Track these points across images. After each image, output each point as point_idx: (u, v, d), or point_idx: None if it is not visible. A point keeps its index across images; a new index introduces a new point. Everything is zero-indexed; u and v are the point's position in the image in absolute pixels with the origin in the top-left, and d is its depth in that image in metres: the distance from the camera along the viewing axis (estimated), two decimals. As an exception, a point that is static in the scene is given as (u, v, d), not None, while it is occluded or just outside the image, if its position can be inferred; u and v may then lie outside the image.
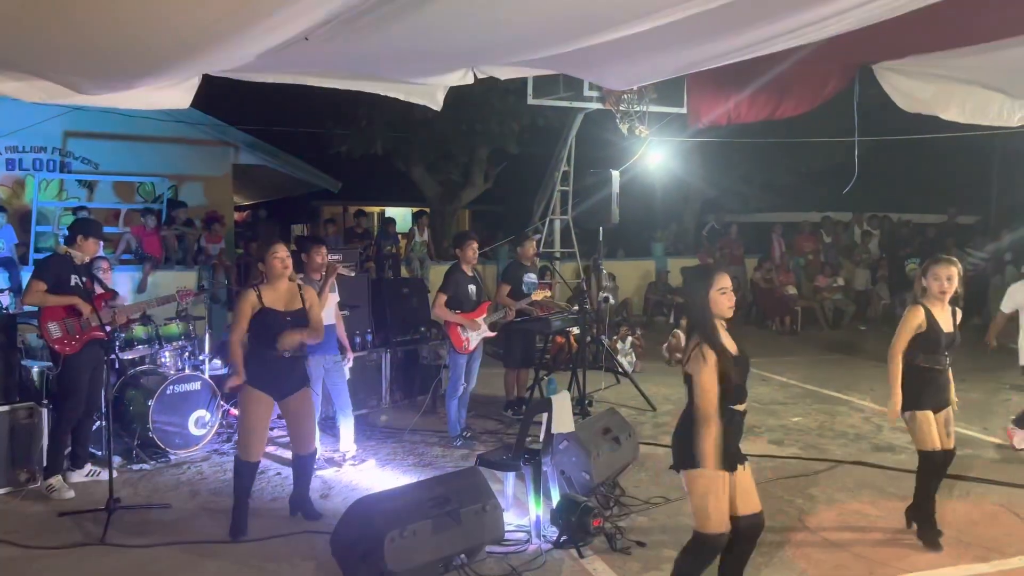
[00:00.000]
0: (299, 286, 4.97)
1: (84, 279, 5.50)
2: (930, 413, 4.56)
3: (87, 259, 5.62)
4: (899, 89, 6.21)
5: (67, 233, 5.71)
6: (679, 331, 10.18)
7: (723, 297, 3.50)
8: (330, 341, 5.82)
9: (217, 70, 4.69)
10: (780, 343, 12.22)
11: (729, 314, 3.53)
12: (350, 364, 6.15)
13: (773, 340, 12.51)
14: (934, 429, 4.55)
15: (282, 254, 4.82)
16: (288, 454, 6.24)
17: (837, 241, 15.29)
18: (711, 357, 3.39)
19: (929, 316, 4.56)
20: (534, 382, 7.84)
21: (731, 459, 3.45)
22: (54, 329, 5.39)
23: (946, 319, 4.60)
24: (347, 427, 6.10)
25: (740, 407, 3.52)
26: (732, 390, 3.43)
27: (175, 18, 3.46)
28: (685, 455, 3.47)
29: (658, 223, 17.75)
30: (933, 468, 4.61)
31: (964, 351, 4.83)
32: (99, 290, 5.74)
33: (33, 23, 3.61)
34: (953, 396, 4.69)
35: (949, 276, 4.54)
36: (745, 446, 3.71)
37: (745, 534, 3.55)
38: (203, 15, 3.40)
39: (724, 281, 3.52)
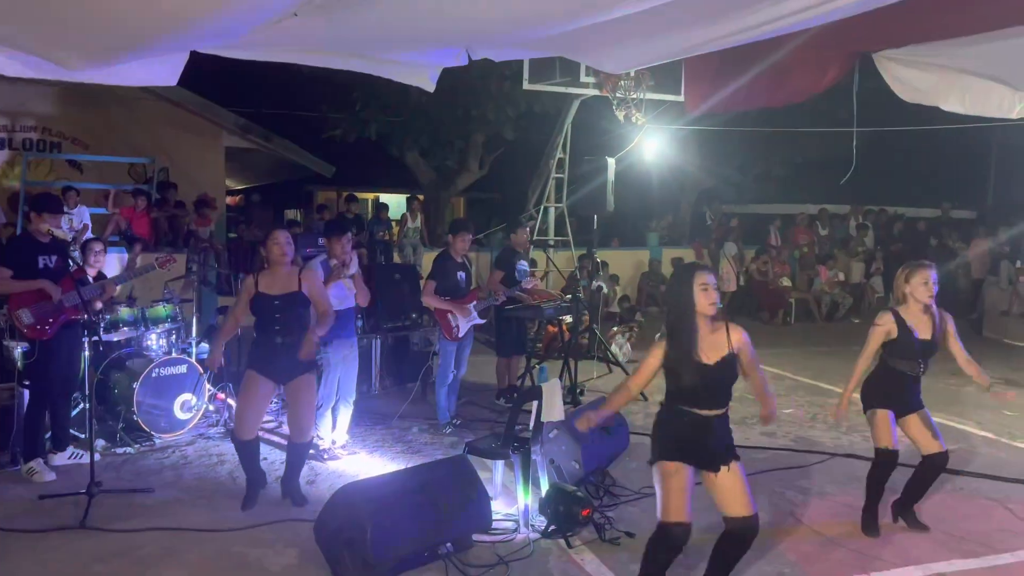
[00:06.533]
0: (300, 270, 5.02)
1: (55, 258, 5.23)
2: (889, 413, 4.51)
3: (56, 238, 5.26)
4: (899, 79, 6.12)
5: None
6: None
7: (704, 294, 3.47)
8: (348, 326, 5.81)
9: (205, 47, 4.57)
10: (773, 335, 12.17)
11: (711, 311, 3.49)
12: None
13: (766, 332, 12.46)
14: (890, 428, 4.50)
15: (282, 240, 4.88)
16: (276, 439, 6.22)
17: (833, 234, 15.24)
18: (659, 350, 3.49)
19: (901, 323, 4.48)
20: (525, 370, 7.77)
21: (679, 451, 3.48)
22: (25, 316, 5.15)
23: (924, 325, 4.50)
24: (345, 416, 5.96)
25: (700, 412, 3.47)
26: (681, 390, 3.47)
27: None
28: (652, 447, 3.60)
29: (654, 212, 17.64)
30: (885, 465, 4.56)
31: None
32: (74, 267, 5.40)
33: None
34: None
35: (926, 281, 4.45)
36: (737, 437, 3.66)
37: (732, 534, 3.53)
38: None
39: (704, 278, 3.50)
